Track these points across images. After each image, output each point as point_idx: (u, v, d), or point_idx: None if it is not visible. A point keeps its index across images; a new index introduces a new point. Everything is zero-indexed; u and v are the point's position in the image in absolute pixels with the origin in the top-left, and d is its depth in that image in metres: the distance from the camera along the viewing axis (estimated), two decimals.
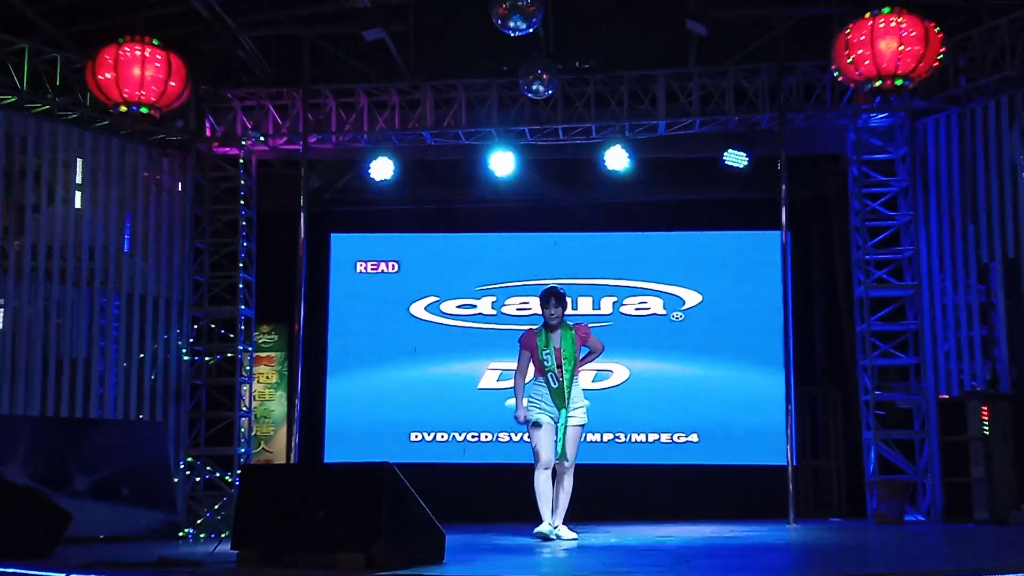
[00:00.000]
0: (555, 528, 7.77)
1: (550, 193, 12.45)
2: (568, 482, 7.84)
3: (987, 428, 9.61)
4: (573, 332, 7.86)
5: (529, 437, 7.89)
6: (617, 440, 12.28)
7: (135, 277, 11.07)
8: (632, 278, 12.71)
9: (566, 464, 7.76)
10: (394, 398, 12.71)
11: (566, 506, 7.88)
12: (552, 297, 7.82)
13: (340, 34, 10.81)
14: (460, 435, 12.49)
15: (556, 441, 7.67)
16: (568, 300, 8.00)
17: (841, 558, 6.19)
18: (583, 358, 7.96)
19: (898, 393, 10.88)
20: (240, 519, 5.95)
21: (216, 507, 11.07)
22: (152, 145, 11.26)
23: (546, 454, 7.72)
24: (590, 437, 11.24)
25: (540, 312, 7.96)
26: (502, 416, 11.08)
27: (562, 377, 7.71)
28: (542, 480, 7.75)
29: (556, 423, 7.71)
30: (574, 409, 7.77)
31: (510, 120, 11.25)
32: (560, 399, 7.70)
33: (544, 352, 7.77)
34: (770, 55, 10.88)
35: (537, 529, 7.72)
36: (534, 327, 8.01)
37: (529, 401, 7.83)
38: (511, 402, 8.36)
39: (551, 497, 7.79)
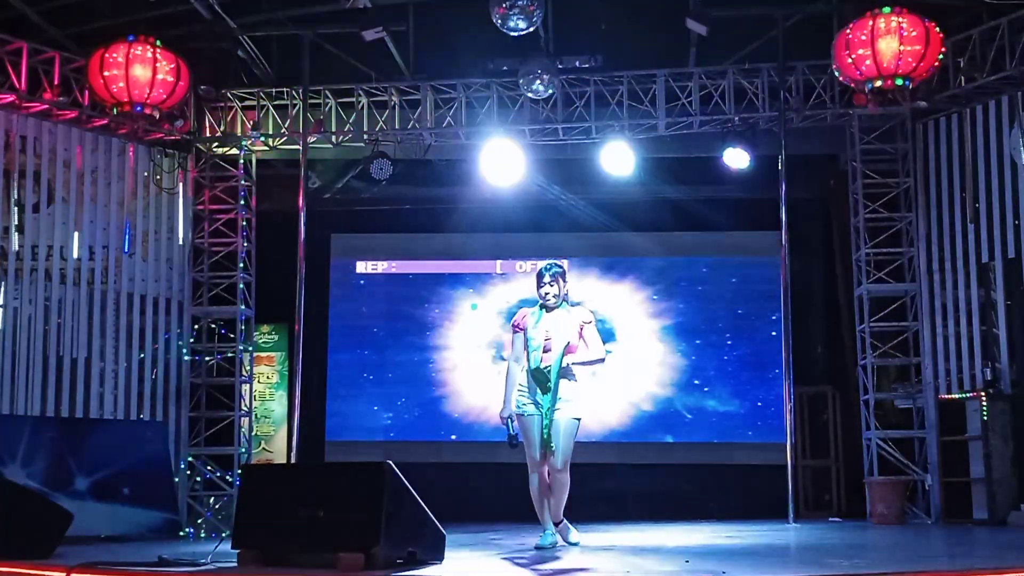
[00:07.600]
0: (556, 530, 6.98)
1: (550, 193, 12.43)
2: (563, 479, 6.81)
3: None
4: (574, 316, 6.87)
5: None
6: (616, 440, 12.29)
7: (135, 277, 11.06)
8: (632, 277, 12.72)
9: (557, 464, 6.73)
10: (395, 398, 12.72)
11: (562, 503, 6.93)
12: (545, 274, 6.88)
13: (340, 34, 10.80)
14: (458, 434, 12.49)
15: (541, 431, 6.68)
16: (563, 280, 6.92)
17: (841, 558, 6.19)
18: (575, 354, 6.81)
19: (898, 393, 10.88)
20: (240, 519, 5.95)
21: (216, 507, 11.07)
22: (152, 145, 11.25)
23: (534, 451, 6.81)
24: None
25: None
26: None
27: (547, 360, 6.69)
28: (535, 484, 6.90)
29: (541, 411, 6.71)
30: (563, 396, 6.72)
31: (510, 120, 11.24)
32: (543, 381, 6.67)
33: (533, 331, 6.81)
34: (770, 55, 10.87)
35: (537, 543, 6.91)
36: (529, 308, 7.01)
37: (517, 392, 6.87)
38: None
39: (547, 503, 6.93)
